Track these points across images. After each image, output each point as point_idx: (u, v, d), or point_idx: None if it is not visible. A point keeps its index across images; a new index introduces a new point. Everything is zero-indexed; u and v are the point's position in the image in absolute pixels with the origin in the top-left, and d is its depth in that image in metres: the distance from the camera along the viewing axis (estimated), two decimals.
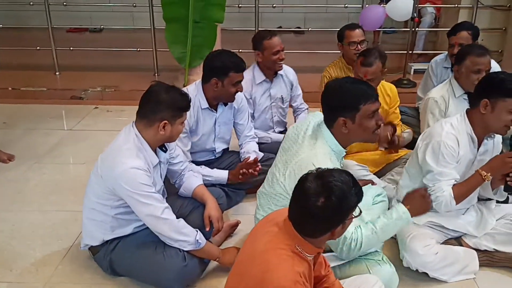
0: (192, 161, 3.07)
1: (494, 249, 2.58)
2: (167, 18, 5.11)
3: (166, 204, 2.32)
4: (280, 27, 8.69)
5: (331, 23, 6.98)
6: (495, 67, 3.73)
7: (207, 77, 2.94)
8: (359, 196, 1.65)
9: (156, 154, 2.43)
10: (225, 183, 3.07)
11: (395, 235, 2.51)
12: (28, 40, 6.58)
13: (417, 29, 5.81)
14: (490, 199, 2.70)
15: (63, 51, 6.12)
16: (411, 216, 2.24)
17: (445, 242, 2.60)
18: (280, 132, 3.75)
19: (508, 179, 2.39)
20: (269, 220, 1.78)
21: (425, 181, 2.44)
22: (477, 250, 2.59)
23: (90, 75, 5.85)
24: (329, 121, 2.20)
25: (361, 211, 1.70)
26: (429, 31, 6.41)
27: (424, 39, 6.41)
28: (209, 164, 3.16)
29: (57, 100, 5.24)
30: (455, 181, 2.41)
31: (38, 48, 6.06)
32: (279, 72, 3.63)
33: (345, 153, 2.30)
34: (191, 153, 3.09)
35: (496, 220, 2.60)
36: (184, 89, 3.02)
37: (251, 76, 3.55)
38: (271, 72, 3.59)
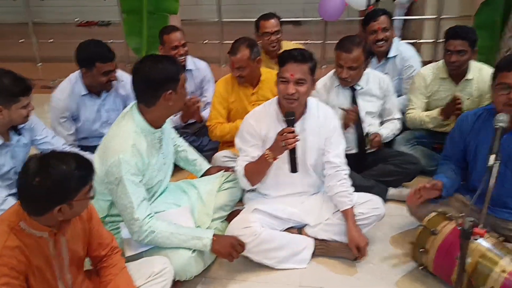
0: (84, 146, 3.22)
1: (332, 238, 2.54)
2: (125, 10, 5.29)
3: None
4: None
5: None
6: (410, 55, 3.63)
7: (79, 67, 3.07)
8: (82, 180, 1.72)
9: (9, 136, 2.60)
10: None
11: None
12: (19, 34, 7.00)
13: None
14: None
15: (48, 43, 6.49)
16: (212, 248, 2.25)
17: (287, 231, 2.59)
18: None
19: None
20: None
21: None
22: (315, 239, 2.56)
23: (69, 66, 6.12)
24: (151, 100, 2.25)
25: (93, 196, 1.79)
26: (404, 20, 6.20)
27: (400, 29, 6.21)
28: None
29: None
30: (253, 158, 2.45)
31: (21, 40, 6.46)
32: (187, 67, 3.67)
33: (159, 132, 2.37)
34: (81, 138, 3.25)
35: (336, 211, 2.55)
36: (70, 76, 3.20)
37: None
38: None
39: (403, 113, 3.39)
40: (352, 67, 2.90)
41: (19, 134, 2.67)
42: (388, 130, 3.15)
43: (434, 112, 3.19)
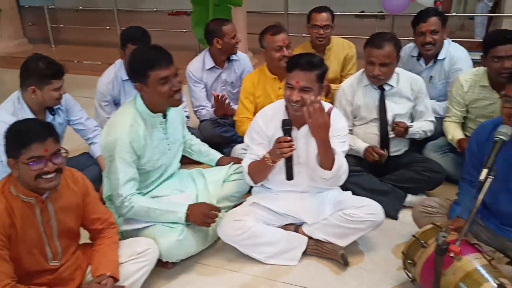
0: None
1: (325, 239, 2.51)
2: (193, 1, 5.48)
3: None
4: (363, 12, 8.51)
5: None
6: (459, 57, 3.39)
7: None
8: (18, 143, 1.85)
9: (45, 116, 2.89)
10: None
11: None
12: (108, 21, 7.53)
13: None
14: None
15: None
16: (186, 220, 2.38)
17: (284, 227, 2.60)
18: None
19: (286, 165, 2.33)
20: None
21: None
22: (311, 238, 2.54)
23: None
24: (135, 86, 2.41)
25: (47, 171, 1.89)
26: (491, 16, 5.74)
27: (484, 25, 5.76)
28: None
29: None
30: (258, 157, 2.45)
31: (108, 27, 6.98)
32: (232, 58, 3.76)
33: (160, 118, 2.47)
34: None
35: (335, 212, 2.50)
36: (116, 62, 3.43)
37: (202, 62, 3.72)
38: (224, 58, 3.72)
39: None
40: (384, 64, 2.81)
41: (54, 114, 2.94)
42: (419, 125, 2.99)
43: (455, 138, 3.01)
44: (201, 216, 2.38)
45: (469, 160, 2.37)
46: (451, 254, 1.85)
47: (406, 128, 2.90)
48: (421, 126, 3.00)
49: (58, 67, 2.77)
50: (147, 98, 2.40)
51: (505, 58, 2.78)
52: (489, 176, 1.91)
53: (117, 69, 3.38)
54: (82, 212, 2.17)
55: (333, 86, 3.65)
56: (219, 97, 3.49)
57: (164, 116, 2.50)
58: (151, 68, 2.29)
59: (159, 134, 2.50)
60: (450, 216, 2.34)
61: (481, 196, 1.90)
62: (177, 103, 2.41)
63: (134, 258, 2.20)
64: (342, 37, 4.06)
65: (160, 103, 2.40)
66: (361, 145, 2.94)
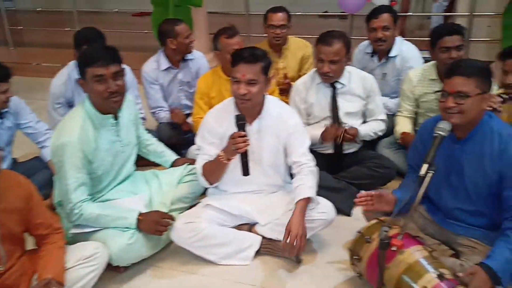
0: None
1: (278, 238, 2.51)
2: (153, 2, 5.45)
3: None
4: (326, 12, 8.58)
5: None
6: (411, 56, 3.47)
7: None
8: None
9: None
10: None
11: None
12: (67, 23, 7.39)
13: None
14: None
15: None
16: (139, 227, 2.37)
17: (238, 227, 2.60)
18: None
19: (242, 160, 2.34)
20: None
21: None
22: (264, 237, 2.55)
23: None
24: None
25: None
26: (446, 16, 5.88)
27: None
28: None
29: None
30: (211, 157, 2.45)
31: (68, 29, 6.86)
32: (187, 57, 3.73)
33: (111, 119, 2.43)
34: None
35: (287, 211, 2.51)
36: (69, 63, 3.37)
37: (156, 63, 3.69)
38: (179, 58, 3.70)
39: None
40: (333, 61, 2.85)
41: (1, 117, 2.88)
42: (369, 128, 3.06)
43: (400, 131, 3.12)
44: (153, 224, 2.37)
45: (411, 155, 2.43)
46: (394, 248, 1.88)
47: (355, 135, 2.94)
48: (372, 129, 3.07)
49: (3, 70, 2.72)
50: (91, 97, 2.38)
51: (452, 49, 2.90)
52: (429, 171, 1.95)
53: (70, 70, 3.33)
54: (26, 216, 2.11)
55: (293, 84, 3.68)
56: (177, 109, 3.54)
57: (116, 118, 2.48)
58: (88, 64, 2.28)
59: (111, 136, 2.47)
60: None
61: (421, 191, 1.93)
62: (114, 105, 2.38)
63: (82, 262, 2.17)
64: (304, 37, 4.10)
65: (100, 103, 2.37)
66: (315, 132, 2.96)
